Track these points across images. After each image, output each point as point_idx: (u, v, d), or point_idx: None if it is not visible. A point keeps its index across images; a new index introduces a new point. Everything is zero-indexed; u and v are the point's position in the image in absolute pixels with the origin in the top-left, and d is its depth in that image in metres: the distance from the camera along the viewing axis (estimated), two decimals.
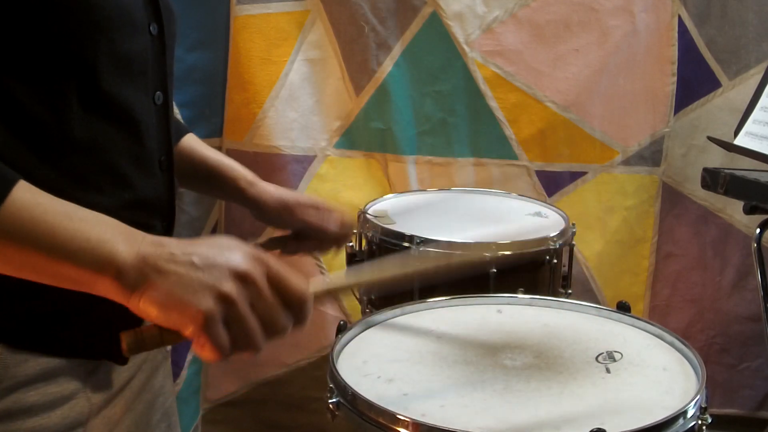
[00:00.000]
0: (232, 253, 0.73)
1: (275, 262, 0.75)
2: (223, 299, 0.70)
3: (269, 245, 1.28)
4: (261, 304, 0.72)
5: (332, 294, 0.81)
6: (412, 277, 0.92)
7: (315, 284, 0.79)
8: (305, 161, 2.14)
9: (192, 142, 1.17)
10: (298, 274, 0.76)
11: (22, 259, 0.72)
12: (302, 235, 1.23)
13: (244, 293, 0.71)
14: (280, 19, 2.08)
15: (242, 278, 0.72)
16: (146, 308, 0.71)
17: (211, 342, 0.70)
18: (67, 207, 0.73)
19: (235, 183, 1.18)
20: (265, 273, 0.73)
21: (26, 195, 0.71)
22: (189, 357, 2.12)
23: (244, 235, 2.28)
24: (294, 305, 0.75)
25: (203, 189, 1.28)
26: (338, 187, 2.16)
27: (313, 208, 1.21)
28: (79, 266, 0.71)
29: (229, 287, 0.71)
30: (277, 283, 0.74)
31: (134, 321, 0.90)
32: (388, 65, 2.08)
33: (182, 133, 1.16)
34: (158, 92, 0.93)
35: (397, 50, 2.08)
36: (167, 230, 0.97)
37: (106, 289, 0.72)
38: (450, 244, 1.46)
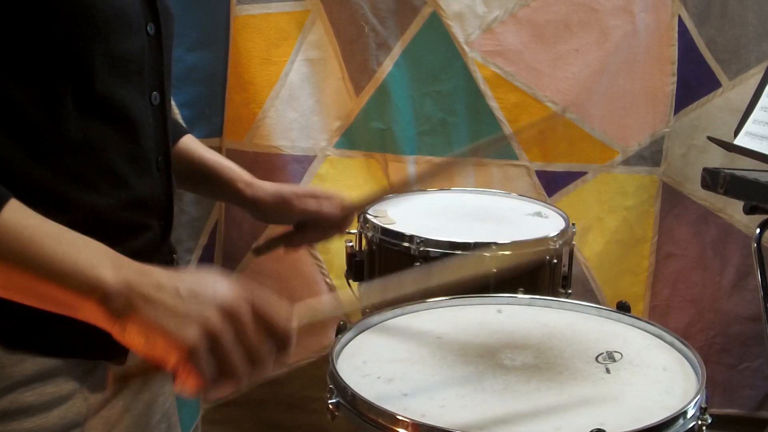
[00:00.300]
0: (217, 285, 0.73)
1: (260, 294, 0.74)
2: (208, 332, 0.70)
3: (271, 245, 1.28)
4: (245, 337, 0.72)
5: (317, 325, 0.81)
6: (405, 298, 0.92)
7: (300, 315, 0.78)
8: (305, 161, 2.14)
9: (190, 143, 1.17)
10: (283, 305, 0.76)
11: (8, 280, 0.72)
12: (304, 225, 1.23)
13: (228, 326, 0.71)
14: (280, 19, 2.08)
15: (227, 312, 0.72)
16: (130, 336, 0.71)
17: (194, 375, 0.70)
18: (56, 229, 0.73)
19: (233, 185, 1.19)
20: (250, 306, 0.73)
21: (16, 215, 0.71)
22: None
23: (244, 235, 2.29)
24: (278, 338, 0.75)
25: (201, 190, 1.28)
26: (338, 187, 2.16)
27: (311, 197, 1.22)
28: (65, 289, 0.71)
29: (215, 320, 0.71)
30: (261, 316, 0.74)
31: None
32: (388, 65, 2.08)
33: (180, 133, 1.16)
34: (155, 92, 0.93)
35: (397, 50, 2.08)
36: (165, 230, 0.97)
37: (91, 313, 0.71)
38: (450, 244, 1.46)
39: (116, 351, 0.90)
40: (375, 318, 1.17)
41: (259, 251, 1.29)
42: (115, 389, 0.74)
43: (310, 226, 1.23)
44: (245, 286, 0.74)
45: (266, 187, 1.20)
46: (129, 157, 0.87)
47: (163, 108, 0.95)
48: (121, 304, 0.71)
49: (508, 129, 2.11)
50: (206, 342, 0.70)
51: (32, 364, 0.82)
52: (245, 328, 0.72)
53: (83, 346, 0.86)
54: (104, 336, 0.85)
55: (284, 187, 1.22)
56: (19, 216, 0.72)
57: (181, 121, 2.02)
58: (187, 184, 1.21)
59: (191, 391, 0.71)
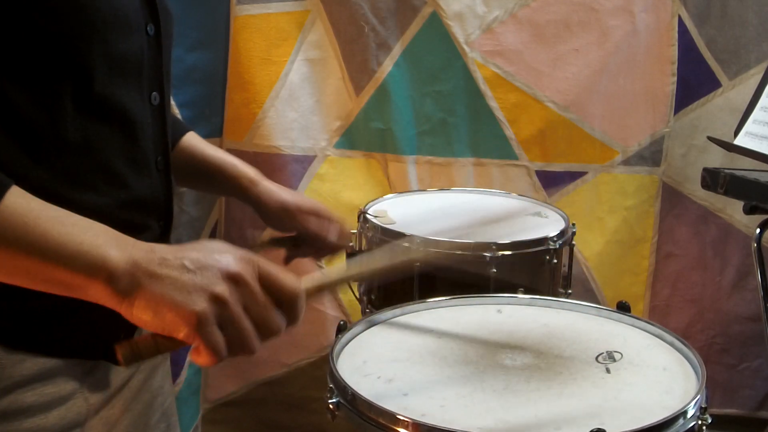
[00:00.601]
0: (222, 255, 0.74)
1: (265, 262, 0.75)
2: (216, 300, 0.71)
3: (270, 244, 1.28)
4: (253, 304, 0.73)
5: (325, 289, 0.81)
6: (407, 268, 0.92)
7: (307, 281, 0.79)
8: (305, 161, 2.14)
9: (193, 140, 1.17)
10: (289, 272, 0.76)
11: (14, 264, 0.72)
12: (300, 240, 1.24)
13: (236, 294, 0.72)
14: (280, 19, 2.08)
15: (234, 279, 0.72)
16: (139, 313, 0.71)
17: (205, 343, 0.70)
18: (59, 212, 0.73)
19: (237, 181, 1.18)
20: (256, 274, 0.74)
21: (19, 200, 0.72)
22: (189, 358, 2.12)
23: (244, 235, 2.28)
24: (286, 304, 0.75)
25: (205, 187, 1.28)
26: (338, 187, 2.16)
27: (314, 215, 1.22)
28: (71, 271, 0.71)
29: (221, 288, 0.71)
30: (268, 283, 0.74)
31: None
32: (388, 65, 2.08)
33: (183, 131, 1.16)
34: (154, 93, 0.93)
35: (397, 50, 2.08)
36: (165, 230, 0.97)
37: (97, 293, 0.72)
38: (450, 244, 1.46)
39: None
40: (375, 318, 1.17)
41: (256, 247, 1.29)
42: (126, 365, 0.74)
43: (306, 242, 1.24)
44: (250, 255, 0.75)
45: (272, 191, 1.20)
46: (128, 157, 0.87)
47: (163, 108, 0.95)
48: (128, 282, 0.71)
49: (508, 129, 2.11)
50: (215, 310, 0.70)
51: (32, 364, 0.82)
52: (253, 294, 0.73)
53: (83, 346, 0.86)
54: (104, 336, 0.86)
55: (290, 197, 1.22)
56: (22, 201, 0.72)
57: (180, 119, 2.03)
58: (191, 181, 1.21)
59: (206, 362, 0.71)
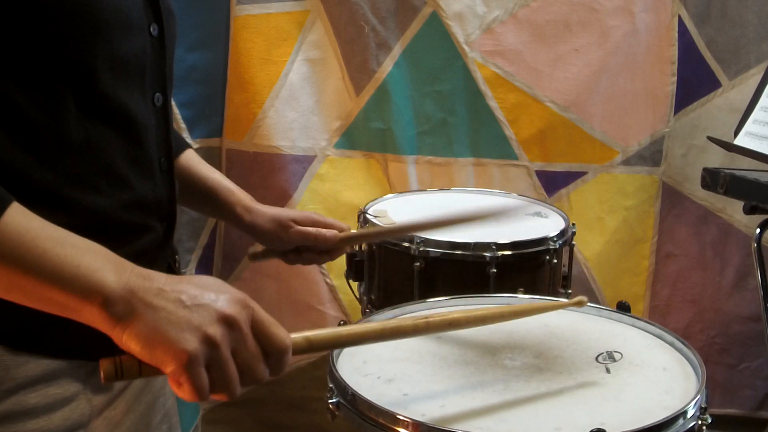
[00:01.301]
0: (219, 295, 0.73)
1: (260, 309, 0.75)
2: (208, 342, 0.70)
3: (267, 254, 1.29)
4: (243, 350, 0.72)
5: (314, 350, 0.81)
6: (397, 335, 0.93)
7: (297, 337, 0.78)
8: (305, 161, 2.14)
9: (191, 159, 1.17)
10: (280, 326, 0.76)
11: (10, 282, 0.72)
12: (300, 248, 1.25)
13: (228, 338, 0.71)
14: (280, 19, 2.08)
15: (228, 322, 0.72)
16: (129, 341, 0.71)
17: (191, 383, 0.70)
18: (58, 233, 0.73)
19: (231, 209, 1.20)
20: (249, 319, 0.73)
21: (19, 218, 0.71)
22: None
23: (243, 236, 2.27)
24: (274, 356, 0.75)
25: (199, 208, 1.28)
26: (338, 187, 2.16)
27: (310, 223, 1.23)
28: (67, 292, 0.71)
29: (215, 330, 0.71)
30: (260, 332, 0.74)
31: None
32: (388, 65, 2.08)
33: (182, 148, 1.17)
34: (157, 94, 0.92)
35: (397, 50, 2.08)
36: (168, 231, 0.97)
37: (92, 317, 0.71)
38: (450, 244, 1.46)
39: (119, 352, 0.90)
40: (375, 318, 1.17)
41: (255, 257, 1.30)
42: (106, 383, 0.74)
43: (306, 249, 1.25)
44: (246, 299, 0.74)
45: (265, 213, 1.21)
46: (131, 158, 0.87)
47: (166, 109, 0.95)
48: (122, 308, 0.71)
49: (508, 129, 2.11)
50: (205, 352, 0.70)
51: (36, 365, 0.82)
52: (244, 339, 0.72)
53: (87, 348, 0.86)
54: (107, 337, 0.85)
55: (282, 213, 1.23)
56: (21, 219, 0.71)
57: (181, 121, 2.02)
58: (186, 200, 1.21)
59: (187, 398, 0.71)
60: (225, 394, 0.72)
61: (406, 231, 1.46)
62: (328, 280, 2.18)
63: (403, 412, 0.88)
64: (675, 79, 2.09)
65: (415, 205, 1.77)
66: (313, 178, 2.15)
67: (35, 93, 0.78)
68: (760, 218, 1.81)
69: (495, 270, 1.42)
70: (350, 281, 1.67)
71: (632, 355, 1.06)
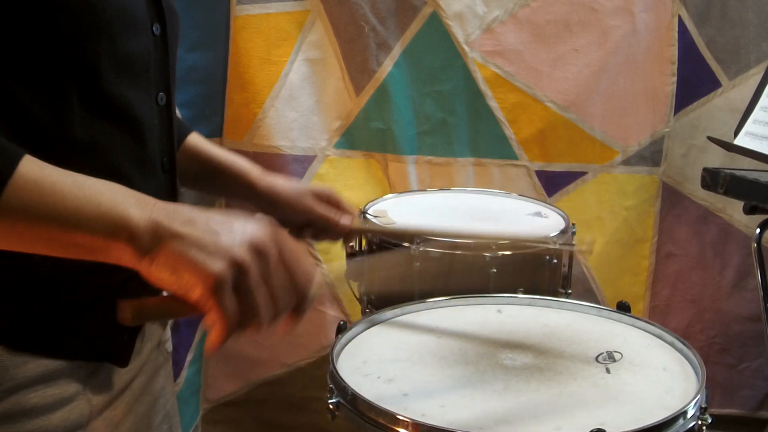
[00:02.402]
0: (249, 223, 0.73)
1: (290, 241, 0.74)
2: (237, 266, 0.69)
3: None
4: (270, 278, 0.71)
5: (336, 284, 0.81)
6: (412, 276, 0.92)
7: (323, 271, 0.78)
8: (305, 161, 2.14)
9: (197, 140, 1.17)
10: (309, 259, 0.75)
11: (33, 233, 0.71)
12: (309, 224, 1.22)
13: (256, 264, 0.71)
14: (280, 19, 2.08)
15: (257, 249, 0.71)
16: (157, 271, 0.70)
17: (218, 306, 0.69)
18: (75, 177, 0.72)
19: (245, 177, 1.17)
20: (278, 249, 0.72)
21: (33, 167, 0.71)
22: (189, 357, 2.12)
23: None
24: (299, 287, 0.74)
25: (210, 188, 1.26)
26: (338, 187, 2.16)
27: (325, 200, 1.21)
28: (91, 233, 0.70)
29: (244, 254, 0.70)
30: (289, 263, 0.73)
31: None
32: (388, 65, 2.08)
33: (185, 132, 1.16)
34: (161, 93, 0.92)
35: (397, 50, 2.08)
36: None
37: (119, 253, 0.71)
38: (450, 245, 1.46)
39: (119, 352, 0.90)
40: (375, 318, 1.17)
41: None
42: (131, 323, 0.73)
43: (313, 227, 1.22)
44: (275, 231, 0.73)
45: (280, 180, 1.19)
46: (134, 158, 0.87)
47: (169, 109, 0.95)
48: (149, 240, 0.70)
49: (508, 129, 2.11)
50: (233, 276, 0.69)
51: (35, 365, 0.81)
52: (272, 268, 0.72)
53: (86, 348, 0.86)
54: (107, 337, 0.86)
55: (298, 184, 1.21)
56: (36, 168, 0.71)
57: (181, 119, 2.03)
58: (196, 182, 1.20)
59: (217, 328, 0.70)
60: (252, 323, 0.71)
61: (423, 234, 1.42)
62: (328, 281, 2.18)
63: (403, 412, 0.88)
64: (675, 79, 2.09)
65: (415, 205, 1.76)
66: (313, 178, 2.15)
67: (39, 92, 0.78)
68: (760, 218, 1.81)
69: (495, 270, 1.42)
70: (350, 281, 1.67)
71: (632, 355, 1.06)
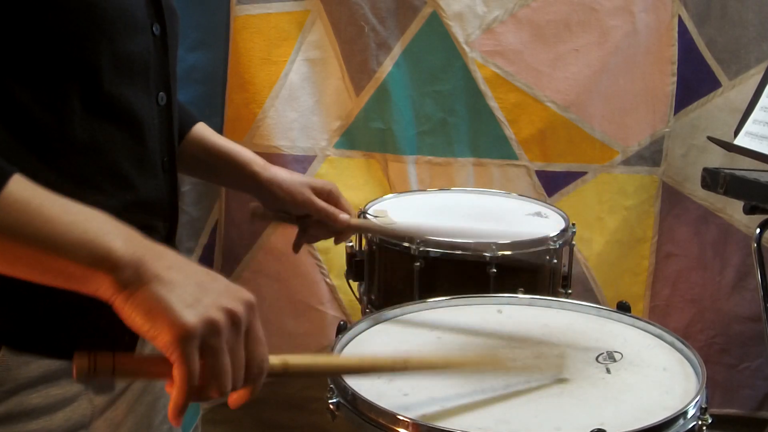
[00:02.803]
0: (230, 288, 0.72)
1: (257, 319, 0.73)
2: (211, 325, 0.68)
3: (269, 215, 1.26)
4: (236, 349, 0.71)
5: (286, 375, 0.80)
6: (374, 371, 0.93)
7: (275, 360, 0.77)
8: (305, 161, 2.14)
9: (203, 130, 1.17)
10: (265, 345, 0.74)
11: (15, 254, 0.70)
12: (308, 221, 1.23)
13: (229, 330, 0.70)
14: (280, 19, 2.08)
15: (232, 316, 0.70)
16: (132, 308, 0.69)
17: (182, 361, 0.67)
18: (64, 202, 0.71)
19: (248, 168, 1.17)
20: (249, 324, 0.72)
21: (21, 187, 0.70)
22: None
23: (244, 235, 2.28)
24: (255, 368, 0.73)
25: (212, 176, 1.26)
26: (338, 187, 2.16)
27: (326, 194, 1.22)
28: (74, 260, 0.69)
29: (220, 316, 0.69)
30: (253, 340, 0.72)
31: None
32: (388, 65, 2.08)
33: (192, 122, 1.16)
34: (161, 93, 0.92)
35: (397, 50, 2.08)
36: (170, 231, 0.97)
37: (98, 284, 0.69)
38: (450, 244, 1.46)
39: (124, 350, 0.90)
40: (375, 318, 1.17)
41: (256, 214, 1.27)
42: (78, 380, 0.72)
43: (312, 222, 1.23)
44: (253, 304, 0.73)
45: (283, 171, 1.20)
46: (134, 158, 0.87)
47: (170, 108, 0.95)
48: (131, 275, 0.69)
49: (508, 129, 2.11)
50: (203, 333, 0.68)
51: (37, 366, 0.81)
52: (240, 339, 0.71)
53: (88, 348, 0.86)
54: (109, 338, 0.85)
55: (303, 177, 1.22)
56: (24, 188, 0.70)
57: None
58: (198, 170, 1.21)
59: (178, 385, 0.68)
60: (215, 387, 0.70)
61: (420, 234, 1.43)
62: (328, 280, 2.18)
63: (403, 412, 0.88)
64: (675, 79, 2.10)
65: (415, 205, 1.76)
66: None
67: (40, 92, 0.78)
68: (760, 218, 1.81)
69: (495, 270, 1.42)
70: (350, 281, 1.67)
71: (632, 355, 1.06)
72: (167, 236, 0.96)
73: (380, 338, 1.12)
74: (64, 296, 0.73)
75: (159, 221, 0.93)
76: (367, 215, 1.60)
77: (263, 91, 2.09)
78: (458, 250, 1.46)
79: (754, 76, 2.03)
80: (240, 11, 2.05)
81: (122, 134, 0.85)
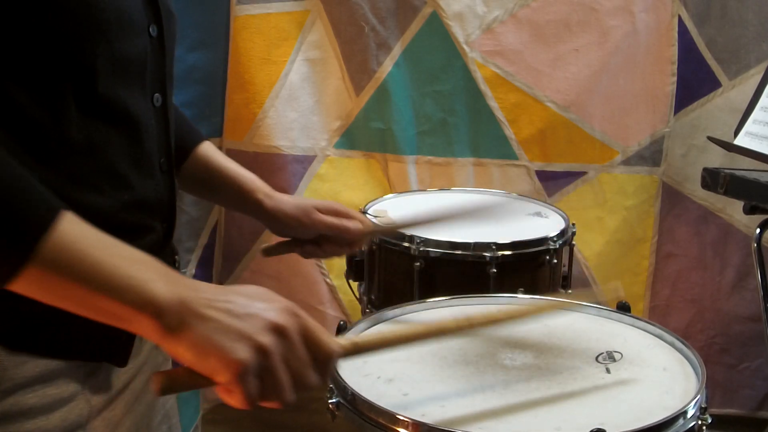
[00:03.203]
0: (268, 304, 0.74)
1: (308, 318, 0.76)
2: (260, 350, 0.71)
3: (282, 249, 1.27)
4: (294, 359, 0.73)
5: (359, 352, 0.83)
6: (441, 335, 0.94)
7: (343, 343, 0.80)
8: (305, 161, 2.14)
9: (209, 150, 1.17)
10: (326, 332, 0.77)
11: (64, 291, 0.71)
12: (319, 240, 1.23)
13: (279, 346, 0.72)
14: (280, 19, 2.08)
15: (278, 331, 0.72)
16: (182, 351, 0.71)
17: (243, 391, 0.70)
18: (108, 241, 0.73)
19: (252, 195, 1.18)
20: (299, 328, 0.74)
21: (71, 227, 0.71)
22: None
23: (244, 235, 2.28)
24: (321, 363, 0.76)
25: (218, 199, 1.27)
26: (338, 187, 2.16)
27: (333, 213, 1.21)
28: (120, 302, 0.71)
29: (266, 339, 0.71)
30: (309, 340, 0.75)
31: None
32: (388, 65, 2.08)
33: (198, 139, 1.16)
34: (157, 94, 0.92)
35: (397, 50, 2.08)
36: (168, 232, 0.97)
37: (143, 326, 0.72)
38: (450, 244, 1.46)
39: (118, 352, 0.90)
40: (375, 318, 1.17)
41: (269, 252, 1.28)
42: (161, 395, 0.75)
43: (325, 241, 1.23)
44: (294, 308, 0.75)
45: (288, 200, 1.20)
46: (131, 158, 0.87)
47: (165, 110, 0.95)
48: (174, 319, 0.71)
49: (508, 129, 2.11)
50: (257, 360, 0.71)
51: (34, 365, 0.81)
52: (294, 348, 0.73)
53: (85, 348, 0.86)
54: (106, 337, 0.85)
55: (305, 201, 1.21)
56: (75, 227, 0.71)
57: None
58: (203, 191, 1.21)
59: (238, 405, 0.72)
60: (277, 401, 0.73)
61: (428, 222, 1.40)
62: (328, 280, 2.18)
63: (403, 412, 0.88)
64: (675, 79, 2.10)
65: (416, 205, 1.77)
66: (313, 178, 2.15)
67: (36, 93, 0.78)
68: (760, 218, 1.81)
69: (495, 270, 1.42)
70: (350, 281, 1.67)
71: (632, 355, 1.06)
72: (165, 236, 0.96)
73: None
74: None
75: (157, 221, 0.93)
76: (367, 215, 1.60)
77: (263, 91, 2.09)
78: (458, 250, 1.46)
79: (754, 76, 2.03)
80: (240, 11, 2.05)
81: (119, 135, 0.85)
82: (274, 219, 1.19)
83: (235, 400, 0.72)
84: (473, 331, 0.96)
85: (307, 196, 2.14)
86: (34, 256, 0.69)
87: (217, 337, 0.70)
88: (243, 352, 0.70)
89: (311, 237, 1.22)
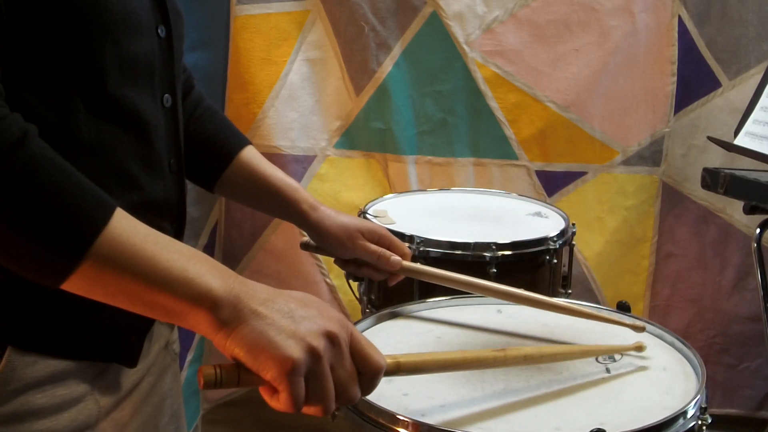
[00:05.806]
0: (322, 311, 0.74)
1: (357, 331, 0.76)
2: (312, 353, 0.71)
3: (319, 250, 1.25)
4: (341, 368, 0.74)
5: (402, 372, 0.83)
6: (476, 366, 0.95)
7: (389, 360, 0.80)
8: (305, 161, 2.14)
9: (253, 157, 1.17)
10: (375, 347, 0.77)
11: (119, 286, 0.72)
12: (359, 260, 1.22)
13: (330, 352, 0.72)
14: (280, 19, 2.08)
15: (330, 338, 0.73)
16: (233, 345, 0.71)
17: (290, 391, 0.70)
18: (162, 237, 0.73)
19: (297, 206, 1.18)
20: (348, 339, 0.74)
21: (124, 223, 0.72)
22: (189, 357, 2.12)
23: (244, 235, 2.27)
24: (367, 376, 0.76)
25: (258, 205, 1.25)
26: (338, 187, 2.16)
27: (377, 238, 1.20)
28: (176, 297, 0.71)
29: (319, 342, 0.71)
30: (357, 352, 0.75)
31: (143, 325, 0.89)
32: (388, 65, 2.08)
33: (242, 143, 1.16)
34: (166, 95, 0.92)
35: (397, 50, 2.09)
36: (177, 232, 0.96)
37: (198, 320, 0.72)
38: (450, 244, 1.46)
39: (127, 353, 0.90)
40: (375, 318, 1.17)
41: (307, 247, 1.27)
42: (205, 389, 0.75)
43: (365, 264, 1.22)
44: (345, 320, 0.75)
45: (334, 216, 1.19)
46: (141, 159, 0.87)
47: (175, 110, 0.94)
48: (229, 313, 0.71)
49: (508, 129, 2.11)
50: (307, 361, 0.71)
51: (43, 366, 0.81)
52: (343, 357, 0.74)
53: (94, 348, 0.86)
54: (115, 338, 0.85)
55: (351, 223, 1.20)
56: (128, 222, 0.72)
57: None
58: (247, 200, 1.21)
59: (282, 408, 0.72)
60: (319, 408, 0.73)
61: (474, 288, 1.26)
62: (328, 280, 2.18)
63: (403, 412, 0.88)
64: (675, 79, 2.10)
65: (415, 205, 1.77)
66: (313, 178, 2.15)
67: (45, 94, 0.78)
68: (760, 218, 1.81)
69: (495, 270, 1.42)
70: (350, 281, 1.67)
71: (632, 355, 1.06)
72: (175, 237, 0.95)
73: (380, 338, 1.12)
74: (71, 296, 0.73)
75: (167, 222, 0.93)
76: (367, 215, 1.60)
77: (263, 91, 2.09)
78: (458, 250, 1.46)
79: (754, 76, 2.03)
80: (240, 11, 2.05)
81: (128, 135, 0.85)
82: (316, 232, 1.19)
83: (279, 401, 0.72)
84: (509, 363, 0.97)
85: None
86: (91, 252, 0.69)
87: (271, 333, 0.70)
88: (296, 351, 0.70)
89: (351, 258, 1.22)
